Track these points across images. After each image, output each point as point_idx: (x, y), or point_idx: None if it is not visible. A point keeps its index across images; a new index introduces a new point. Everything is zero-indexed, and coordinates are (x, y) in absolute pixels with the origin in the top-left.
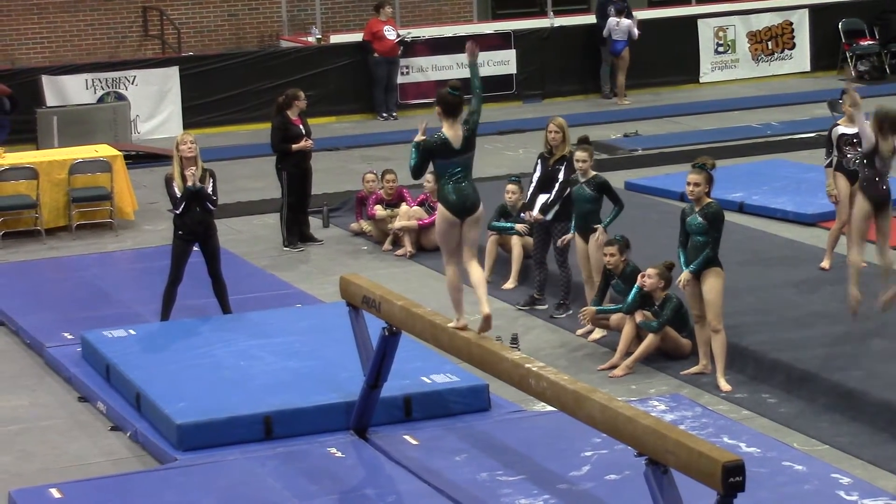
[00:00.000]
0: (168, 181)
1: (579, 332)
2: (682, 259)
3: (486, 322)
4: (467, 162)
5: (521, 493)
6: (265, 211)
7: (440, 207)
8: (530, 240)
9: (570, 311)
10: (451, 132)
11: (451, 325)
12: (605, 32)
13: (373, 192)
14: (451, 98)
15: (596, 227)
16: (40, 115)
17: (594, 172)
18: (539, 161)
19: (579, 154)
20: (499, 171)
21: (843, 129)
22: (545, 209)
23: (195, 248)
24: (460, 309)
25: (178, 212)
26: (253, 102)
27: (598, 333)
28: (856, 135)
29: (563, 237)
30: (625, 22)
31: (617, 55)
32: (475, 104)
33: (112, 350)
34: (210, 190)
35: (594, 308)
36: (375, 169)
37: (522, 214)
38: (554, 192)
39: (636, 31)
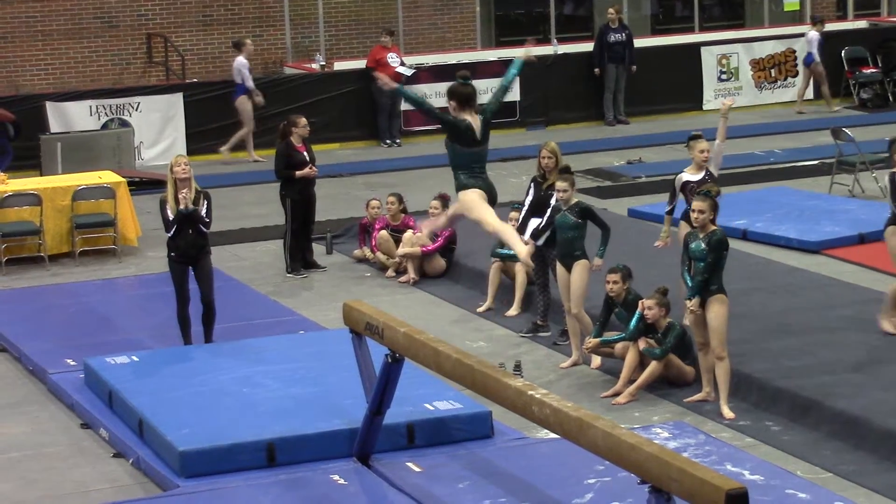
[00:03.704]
0: (162, 203)
1: (563, 365)
2: (688, 283)
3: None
4: (484, 154)
5: None
6: (268, 237)
7: (461, 195)
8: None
9: None
10: (472, 121)
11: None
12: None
13: (377, 218)
14: (463, 88)
15: (578, 251)
16: (44, 142)
17: (576, 199)
18: (532, 185)
19: (560, 184)
20: (502, 198)
21: (688, 176)
22: (536, 234)
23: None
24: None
25: (169, 234)
26: (257, 129)
27: (596, 361)
28: (698, 182)
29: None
30: (814, 34)
31: (808, 66)
32: (495, 99)
33: (115, 377)
34: (203, 212)
35: (598, 339)
36: (379, 196)
37: None
38: (546, 218)
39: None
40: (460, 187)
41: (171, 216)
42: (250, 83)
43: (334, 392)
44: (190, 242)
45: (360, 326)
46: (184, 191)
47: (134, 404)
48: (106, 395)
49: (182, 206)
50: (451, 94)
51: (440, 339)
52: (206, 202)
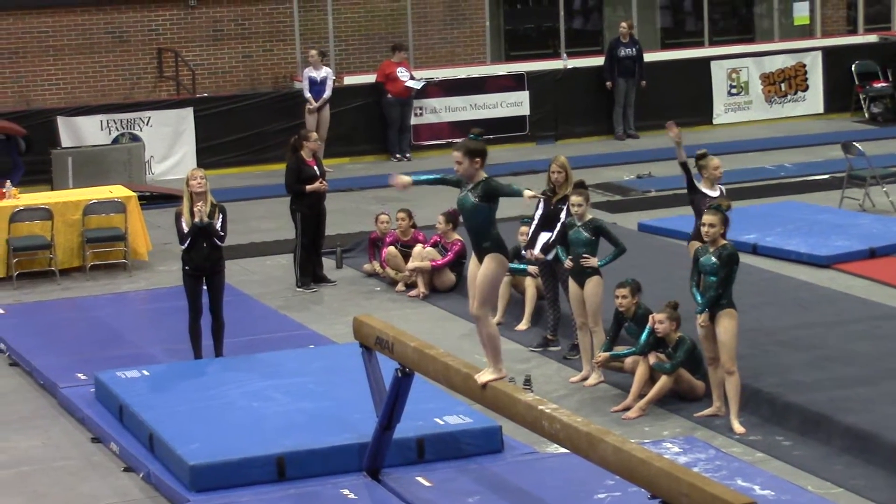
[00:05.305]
0: (177, 216)
1: (573, 379)
2: (697, 298)
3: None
4: None
5: None
6: (278, 252)
7: (502, 259)
8: None
9: None
10: None
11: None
12: None
13: (387, 232)
14: (483, 145)
15: (590, 268)
16: (55, 156)
17: (591, 216)
18: (541, 199)
19: (575, 199)
20: (512, 213)
21: (704, 191)
22: (546, 249)
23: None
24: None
25: (184, 246)
26: (267, 143)
27: (594, 379)
28: (714, 199)
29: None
30: None
31: None
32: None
33: (125, 391)
34: (218, 225)
35: (608, 353)
36: (388, 210)
37: (524, 253)
38: (555, 232)
39: None
40: (503, 247)
41: (185, 229)
42: (307, 93)
43: (344, 406)
44: (204, 256)
45: (370, 341)
46: (199, 204)
47: (144, 418)
48: (116, 410)
49: (197, 219)
50: (480, 152)
51: (450, 353)
52: (221, 216)
